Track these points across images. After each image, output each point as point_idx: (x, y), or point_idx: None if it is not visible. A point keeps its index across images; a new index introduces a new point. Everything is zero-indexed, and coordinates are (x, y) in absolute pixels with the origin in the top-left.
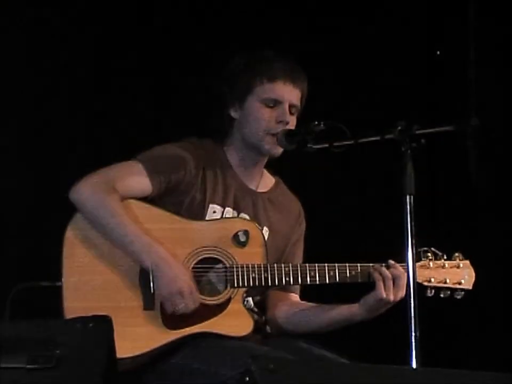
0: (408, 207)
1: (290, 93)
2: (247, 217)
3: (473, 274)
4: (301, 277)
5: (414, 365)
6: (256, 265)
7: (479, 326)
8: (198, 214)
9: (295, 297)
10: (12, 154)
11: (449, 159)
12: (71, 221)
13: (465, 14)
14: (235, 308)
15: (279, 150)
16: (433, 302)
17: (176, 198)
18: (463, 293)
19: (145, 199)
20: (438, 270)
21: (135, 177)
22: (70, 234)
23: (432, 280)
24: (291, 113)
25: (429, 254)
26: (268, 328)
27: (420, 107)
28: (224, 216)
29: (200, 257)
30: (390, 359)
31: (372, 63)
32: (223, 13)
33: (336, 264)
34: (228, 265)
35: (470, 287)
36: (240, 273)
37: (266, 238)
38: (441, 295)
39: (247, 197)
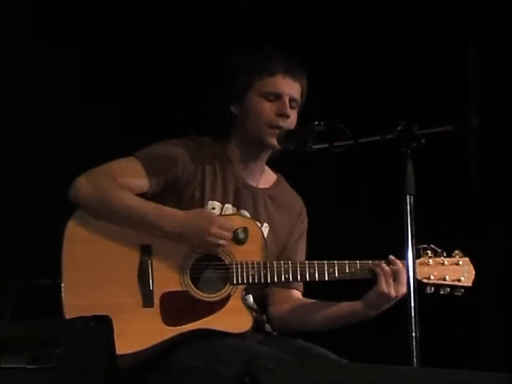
0: (408, 207)
1: (290, 87)
2: (247, 213)
3: (473, 271)
4: (300, 274)
5: (414, 365)
6: (255, 263)
7: (479, 326)
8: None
9: (297, 294)
10: (12, 154)
11: (449, 159)
12: (71, 218)
13: (465, 14)
14: (234, 304)
15: (275, 143)
16: (433, 302)
17: (175, 195)
18: (463, 290)
19: (144, 195)
20: (438, 267)
21: (133, 174)
22: (70, 232)
23: (432, 277)
24: (291, 107)
25: (429, 251)
26: (267, 326)
27: (419, 107)
28: (223, 212)
29: (199, 255)
30: (390, 359)
31: (372, 63)
32: (223, 12)
33: (335, 262)
34: (227, 263)
35: (470, 284)
36: (239, 270)
37: (266, 234)
38: (441, 292)
39: (247, 193)
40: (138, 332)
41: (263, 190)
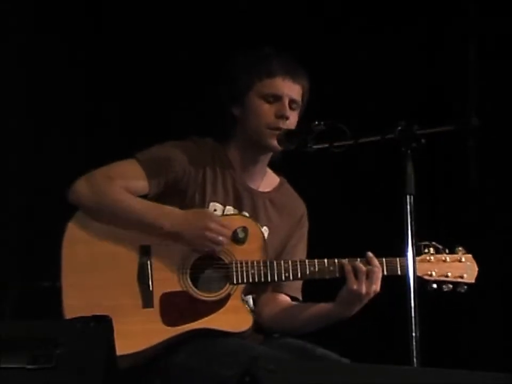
0: (408, 207)
1: (289, 88)
2: (247, 215)
3: (476, 268)
4: (300, 272)
5: (414, 365)
6: (255, 262)
7: (479, 325)
8: None
9: (283, 297)
10: (12, 154)
11: (449, 159)
12: (71, 220)
13: (466, 14)
14: (234, 304)
15: (276, 144)
16: (433, 302)
17: (176, 197)
18: (466, 287)
19: (144, 197)
20: (439, 263)
21: (133, 176)
22: (70, 233)
23: (434, 273)
24: (291, 109)
25: (431, 248)
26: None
27: (420, 107)
28: (225, 214)
29: (199, 255)
30: (390, 359)
31: (372, 63)
32: (223, 12)
33: (335, 259)
34: (226, 262)
35: (473, 281)
36: (239, 269)
37: (265, 237)
38: (444, 289)
39: (247, 196)
40: (139, 332)
41: (263, 193)
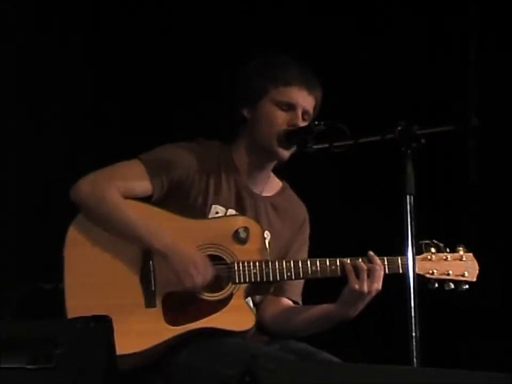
0: (408, 207)
1: (304, 99)
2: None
3: (477, 266)
4: (302, 271)
5: (414, 365)
6: (257, 261)
7: (479, 325)
8: (200, 214)
9: (286, 301)
10: (13, 156)
11: (449, 159)
12: (73, 222)
13: (465, 14)
14: (237, 303)
15: (286, 154)
16: (433, 302)
17: (179, 199)
18: (467, 285)
19: (148, 199)
20: (441, 262)
21: (136, 177)
22: (72, 235)
23: (435, 272)
24: (303, 119)
25: (432, 247)
26: None
27: (420, 107)
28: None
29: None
30: (390, 359)
31: (372, 62)
32: (233, 15)
33: (337, 259)
34: (229, 262)
35: (474, 279)
36: (241, 269)
37: (267, 242)
38: (445, 288)
39: (250, 201)
40: (142, 332)
41: (266, 198)
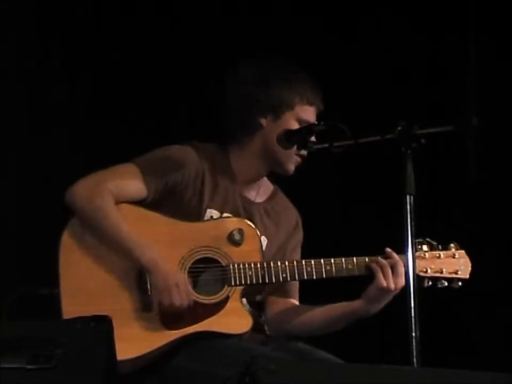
0: (408, 207)
1: (315, 116)
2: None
3: (469, 263)
4: (297, 273)
5: (414, 365)
6: (252, 263)
7: (479, 325)
8: (195, 217)
9: (293, 301)
10: (12, 161)
11: (449, 159)
12: (66, 227)
13: (465, 14)
14: (233, 306)
15: (293, 169)
16: (433, 302)
17: (174, 202)
18: (460, 282)
19: (142, 202)
20: (434, 260)
21: (130, 180)
22: (66, 240)
23: (429, 270)
24: None
25: (424, 245)
26: (266, 329)
27: (420, 107)
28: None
29: (196, 258)
30: (390, 359)
31: (372, 62)
32: (231, 16)
33: (332, 259)
34: (224, 264)
35: (467, 276)
36: (236, 271)
37: (264, 247)
38: (438, 286)
39: (244, 207)
40: (139, 336)
41: (259, 204)
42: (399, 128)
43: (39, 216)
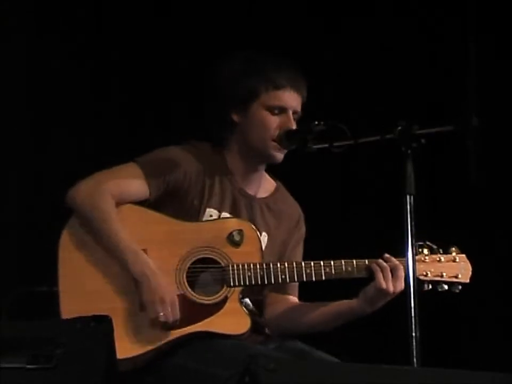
0: (408, 207)
1: (294, 100)
2: (243, 218)
3: (470, 267)
4: (297, 274)
5: (414, 365)
6: (251, 264)
7: (479, 326)
8: (194, 217)
9: (293, 298)
10: (12, 160)
11: (449, 159)
12: (66, 225)
13: (465, 14)
14: (232, 306)
15: (281, 156)
16: (433, 302)
17: (175, 202)
18: (460, 287)
19: (144, 203)
20: (434, 264)
21: (132, 181)
22: (66, 239)
23: (429, 274)
24: (294, 119)
25: (425, 249)
26: (267, 330)
27: (420, 107)
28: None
29: (195, 258)
30: (390, 359)
31: (372, 62)
32: (221, 13)
33: (331, 261)
34: (223, 265)
35: (467, 281)
36: (235, 272)
37: (265, 243)
38: (439, 289)
39: (245, 203)
40: (137, 335)
41: (260, 199)
42: (399, 128)
43: (39, 214)
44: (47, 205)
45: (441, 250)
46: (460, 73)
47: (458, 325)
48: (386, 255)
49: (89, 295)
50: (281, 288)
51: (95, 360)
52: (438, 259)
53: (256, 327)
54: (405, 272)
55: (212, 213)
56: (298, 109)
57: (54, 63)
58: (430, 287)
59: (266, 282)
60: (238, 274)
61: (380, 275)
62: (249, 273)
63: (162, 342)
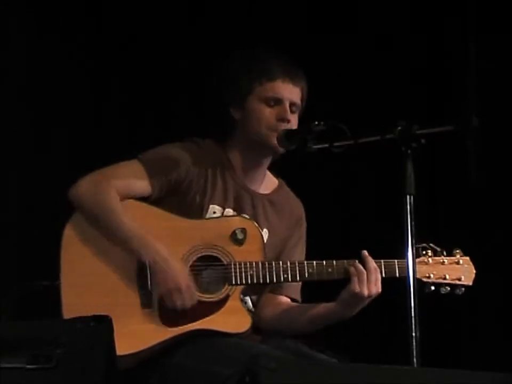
0: (408, 207)
1: (290, 91)
2: (247, 216)
3: (473, 270)
4: (299, 273)
5: (414, 365)
6: (254, 263)
7: (479, 326)
8: (198, 214)
9: (284, 299)
10: (12, 156)
11: (449, 159)
12: (70, 220)
13: (465, 14)
14: (233, 305)
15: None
16: (433, 302)
17: (177, 198)
18: (463, 289)
19: (146, 199)
20: (437, 266)
21: (135, 178)
22: (69, 233)
23: (432, 276)
24: (292, 112)
25: (428, 251)
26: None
27: (420, 107)
28: (224, 215)
29: (198, 255)
30: (390, 359)
31: (372, 62)
32: (221, 13)
33: (333, 261)
34: (225, 263)
35: (470, 283)
36: (237, 270)
37: (266, 239)
38: (442, 291)
39: (247, 198)
40: (138, 332)
41: (263, 195)
42: (399, 128)
43: (39, 214)
44: (47, 205)
45: (444, 253)
46: (460, 73)
47: (458, 325)
48: (364, 254)
49: (91, 290)
50: (276, 288)
51: (95, 360)
52: (441, 261)
53: (255, 326)
54: (401, 275)
55: (215, 209)
56: (296, 100)
57: (54, 63)
58: (433, 289)
59: (268, 281)
60: (240, 273)
61: (355, 279)
62: (251, 272)
63: (163, 339)
